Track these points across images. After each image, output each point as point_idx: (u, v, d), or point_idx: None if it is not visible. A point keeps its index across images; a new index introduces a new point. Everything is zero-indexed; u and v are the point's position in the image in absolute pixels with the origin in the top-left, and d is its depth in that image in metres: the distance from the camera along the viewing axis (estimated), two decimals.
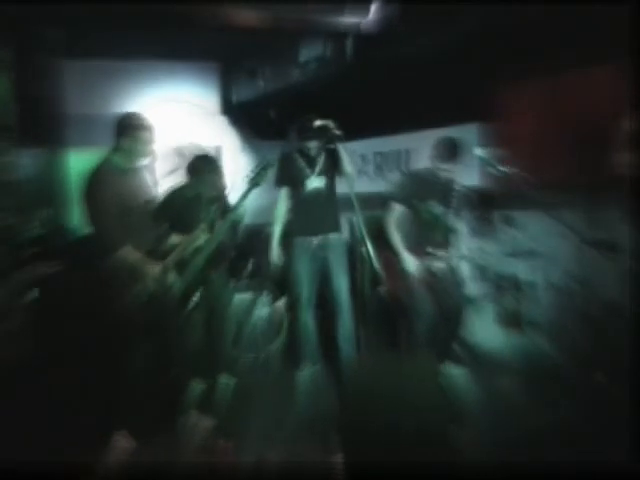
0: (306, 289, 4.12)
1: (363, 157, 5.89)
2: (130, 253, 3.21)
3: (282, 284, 4.56)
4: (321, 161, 4.12)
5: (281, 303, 4.71)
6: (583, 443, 2.95)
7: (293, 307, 4.28)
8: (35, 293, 3.95)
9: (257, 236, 4.90)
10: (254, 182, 3.50)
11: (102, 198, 3.20)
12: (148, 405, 3.30)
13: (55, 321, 3.95)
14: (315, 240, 4.11)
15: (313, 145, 4.08)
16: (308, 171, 4.13)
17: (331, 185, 4.15)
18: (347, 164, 3.92)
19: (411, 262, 3.88)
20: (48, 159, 4.97)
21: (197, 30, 4.33)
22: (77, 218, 3.56)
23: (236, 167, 5.88)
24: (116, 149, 3.35)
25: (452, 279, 3.96)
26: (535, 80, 4.27)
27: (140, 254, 3.26)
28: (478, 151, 3.83)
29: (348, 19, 4.25)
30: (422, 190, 3.96)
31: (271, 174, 3.64)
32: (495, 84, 4.43)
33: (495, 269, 4.41)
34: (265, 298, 4.71)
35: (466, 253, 4.24)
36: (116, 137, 3.34)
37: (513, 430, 3.17)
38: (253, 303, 4.66)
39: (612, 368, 3.39)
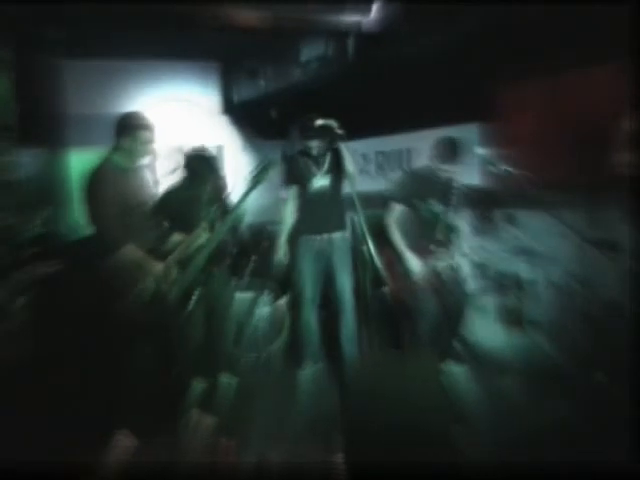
0: (310, 288, 4.13)
1: (364, 156, 5.88)
2: (132, 252, 3.22)
3: (284, 283, 4.56)
4: (327, 160, 4.13)
5: (283, 302, 4.71)
6: (583, 443, 2.95)
7: (296, 306, 4.29)
8: (35, 293, 3.95)
9: (258, 235, 4.91)
10: (255, 181, 3.50)
11: (103, 197, 3.20)
12: (150, 404, 3.30)
13: (55, 321, 3.95)
14: (320, 239, 4.12)
15: (315, 144, 4.08)
16: (314, 170, 4.14)
17: (337, 184, 4.15)
18: (349, 163, 3.93)
19: (414, 262, 3.89)
20: (48, 159, 4.97)
21: (198, 30, 4.32)
22: (78, 218, 3.56)
23: (237, 166, 5.88)
24: (116, 148, 3.35)
25: (453, 278, 3.97)
26: (535, 80, 4.27)
27: (142, 253, 3.26)
28: (479, 150, 3.83)
29: (349, 18, 4.25)
30: (422, 189, 3.97)
31: (272, 173, 3.64)
32: (495, 84, 4.43)
33: (496, 268, 4.42)
34: (267, 297, 4.71)
35: (467, 252, 4.25)
36: (116, 137, 3.35)
37: (513, 430, 3.18)
38: (254, 302, 4.66)
39: (612, 368, 3.39)
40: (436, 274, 3.91)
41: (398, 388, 2.05)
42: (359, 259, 4.37)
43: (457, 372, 3.93)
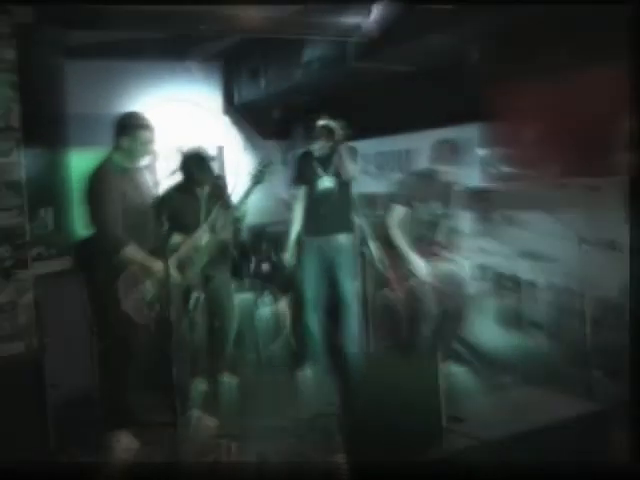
0: (313, 289, 4.13)
1: (365, 157, 5.88)
2: (134, 251, 3.22)
3: (287, 283, 4.56)
4: (333, 162, 4.09)
5: (284, 302, 4.71)
6: (583, 443, 2.95)
7: (298, 306, 4.29)
8: (36, 293, 3.96)
9: (260, 235, 4.91)
10: (256, 181, 3.51)
11: (104, 197, 3.20)
12: (150, 404, 3.31)
13: (56, 321, 3.95)
14: (324, 240, 4.11)
15: (319, 145, 4.07)
16: (320, 171, 4.12)
17: (343, 186, 4.11)
18: (349, 165, 3.92)
19: (418, 263, 3.88)
20: (49, 159, 4.96)
21: (199, 30, 4.32)
22: (79, 218, 3.56)
23: (238, 166, 5.88)
24: (117, 148, 3.35)
25: (454, 279, 3.97)
26: (535, 80, 4.27)
27: (143, 253, 3.26)
28: (479, 151, 3.84)
29: (350, 19, 4.25)
30: (423, 190, 3.97)
31: (272, 174, 3.65)
32: (495, 84, 4.43)
33: (496, 268, 4.42)
34: (268, 297, 4.72)
35: (467, 253, 4.25)
36: (116, 137, 3.34)
37: (513, 430, 3.17)
38: (256, 302, 4.66)
39: (612, 368, 3.40)
40: (437, 275, 3.91)
41: (399, 388, 2.05)
42: (362, 260, 4.37)
43: (457, 372, 3.93)
